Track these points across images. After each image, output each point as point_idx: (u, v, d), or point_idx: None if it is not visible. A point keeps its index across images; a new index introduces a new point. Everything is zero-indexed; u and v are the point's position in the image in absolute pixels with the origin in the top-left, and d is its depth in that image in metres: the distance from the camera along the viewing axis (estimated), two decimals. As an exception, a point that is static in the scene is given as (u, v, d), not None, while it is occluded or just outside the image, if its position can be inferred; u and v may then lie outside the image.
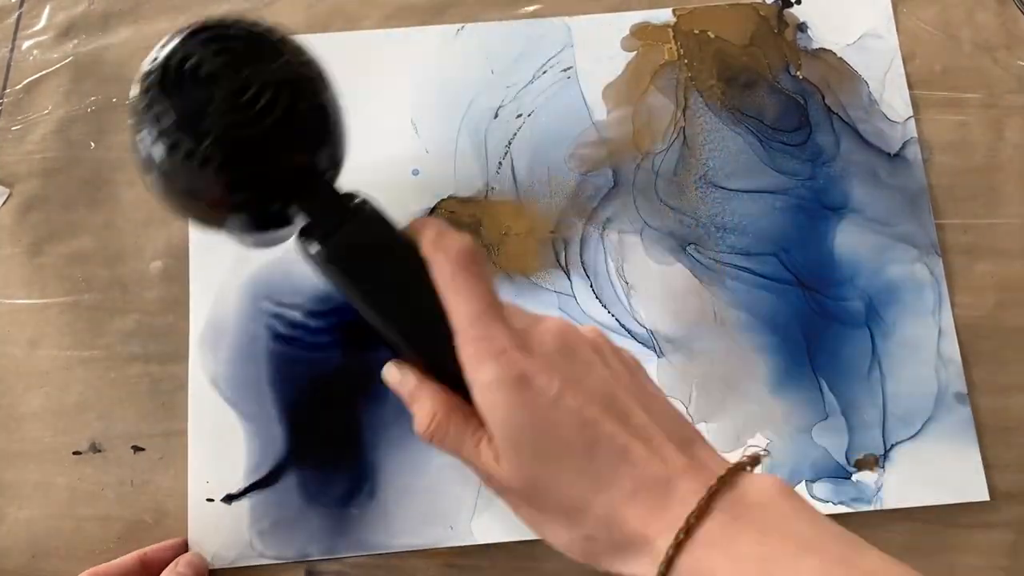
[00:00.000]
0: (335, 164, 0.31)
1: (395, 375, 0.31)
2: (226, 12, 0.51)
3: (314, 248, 0.29)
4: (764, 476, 0.28)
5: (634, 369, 0.31)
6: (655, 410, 0.30)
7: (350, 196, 0.31)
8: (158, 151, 0.28)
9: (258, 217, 0.30)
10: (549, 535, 0.30)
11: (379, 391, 0.45)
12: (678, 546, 0.26)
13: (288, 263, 0.47)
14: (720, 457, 0.30)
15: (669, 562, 0.26)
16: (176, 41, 0.28)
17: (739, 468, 0.28)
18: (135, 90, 0.29)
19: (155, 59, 0.28)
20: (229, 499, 0.44)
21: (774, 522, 0.27)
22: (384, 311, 0.30)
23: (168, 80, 0.27)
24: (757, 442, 0.45)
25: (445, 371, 0.30)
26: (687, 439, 0.30)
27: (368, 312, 0.30)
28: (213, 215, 0.30)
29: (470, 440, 0.30)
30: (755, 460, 0.29)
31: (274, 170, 0.29)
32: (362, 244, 0.30)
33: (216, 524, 0.44)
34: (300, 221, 0.30)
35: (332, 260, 0.29)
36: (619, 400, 0.29)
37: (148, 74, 0.28)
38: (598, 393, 0.29)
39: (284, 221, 0.30)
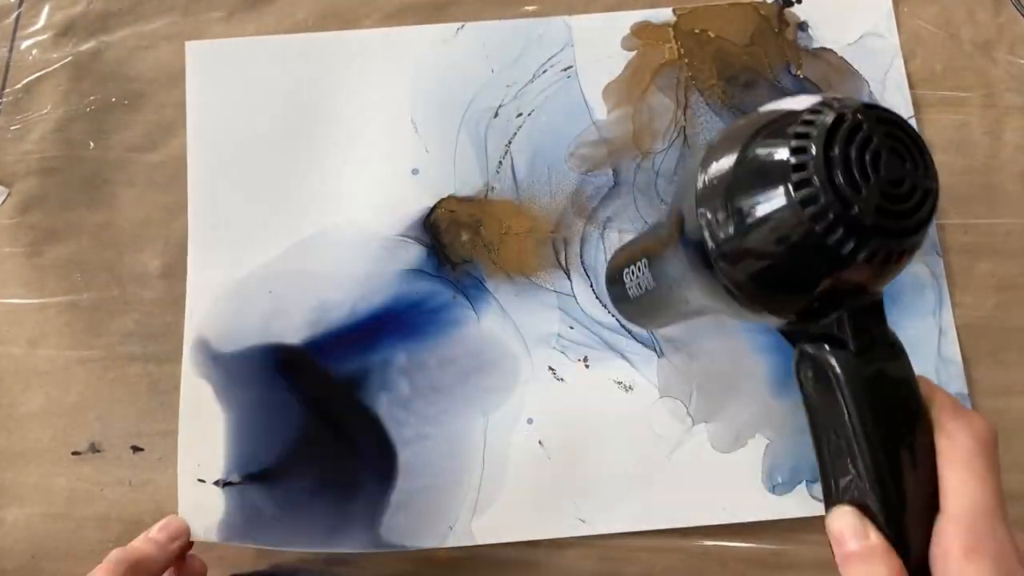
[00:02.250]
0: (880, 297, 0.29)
1: (853, 522, 0.27)
2: (228, 11, 0.51)
3: (836, 356, 0.28)
4: None
5: None
6: None
7: (890, 329, 0.29)
8: (781, 199, 0.25)
9: (807, 304, 0.27)
10: None
11: (379, 393, 0.45)
12: None
13: (288, 263, 0.47)
14: None
15: None
16: (851, 107, 0.25)
17: None
18: (772, 124, 0.26)
19: (815, 112, 0.25)
20: (228, 499, 0.44)
21: None
22: (873, 455, 0.27)
23: (836, 138, 0.25)
24: (758, 442, 0.45)
25: (904, 544, 0.27)
26: None
27: (850, 445, 0.28)
28: (792, 293, 0.27)
29: None
30: None
31: (874, 274, 0.26)
32: (887, 379, 0.28)
33: (213, 523, 0.44)
34: (827, 325, 0.28)
35: (850, 378, 0.27)
36: None
37: (808, 121, 0.25)
38: None
39: (820, 316, 0.28)
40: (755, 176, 0.26)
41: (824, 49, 0.52)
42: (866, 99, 0.50)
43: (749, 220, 0.25)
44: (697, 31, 0.52)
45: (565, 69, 0.51)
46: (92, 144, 0.49)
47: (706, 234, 0.27)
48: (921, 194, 0.25)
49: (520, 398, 0.46)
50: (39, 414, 0.46)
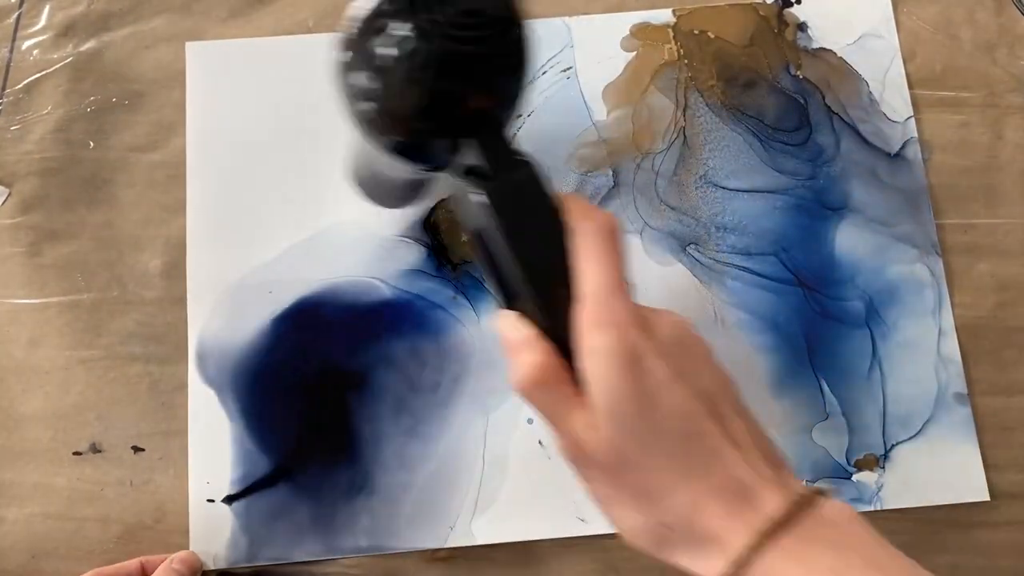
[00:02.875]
0: (510, 119, 0.33)
1: (510, 321, 0.31)
2: (228, 12, 0.51)
3: (477, 189, 0.31)
4: (839, 503, 0.30)
5: (734, 384, 0.32)
6: (750, 425, 0.31)
7: (515, 151, 0.32)
8: (382, 46, 0.30)
9: (437, 139, 0.32)
10: (620, 516, 0.31)
11: (379, 391, 0.46)
12: (755, 548, 0.27)
13: (288, 263, 0.47)
14: (800, 482, 0.31)
15: (742, 562, 0.27)
16: None
17: (819, 492, 0.29)
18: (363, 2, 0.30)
19: None
20: (230, 500, 0.44)
21: (847, 542, 0.28)
22: (523, 261, 0.31)
23: None
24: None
25: (557, 332, 0.30)
26: (776, 458, 0.31)
27: (505, 259, 0.31)
28: (397, 126, 0.32)
29: (565, 402, 0.30)
30: (823, 493, 0.30)
31: (473, 95, 0.31)
32: (524, 193, 0.31)
33: (216, 525, 0.44)
34: (462, 161, 0.32)
35: (493, 203, 0.31)
36: (720, 404, 0.30)
37: None
38: (703, 391, 0.30)
39: (447, 155, 0.32)
40: (369, 24, 0.31)
41: (824, 49, 0.52)
42: (865, 99, 0.50)
43: (378, 54, 0.30)
44: (697, 32, 0.52)
45: (565, 70, 0.51)
46: (92, 144, 0.49)
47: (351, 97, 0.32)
48: (501, 24, 0.30)
49: (520, 398, 0.46)
50: (39, 414, 0.46)
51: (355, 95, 0.32)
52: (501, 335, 0.32)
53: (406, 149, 0.33)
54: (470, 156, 0.32)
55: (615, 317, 0.29)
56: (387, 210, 0.48)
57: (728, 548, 0.28)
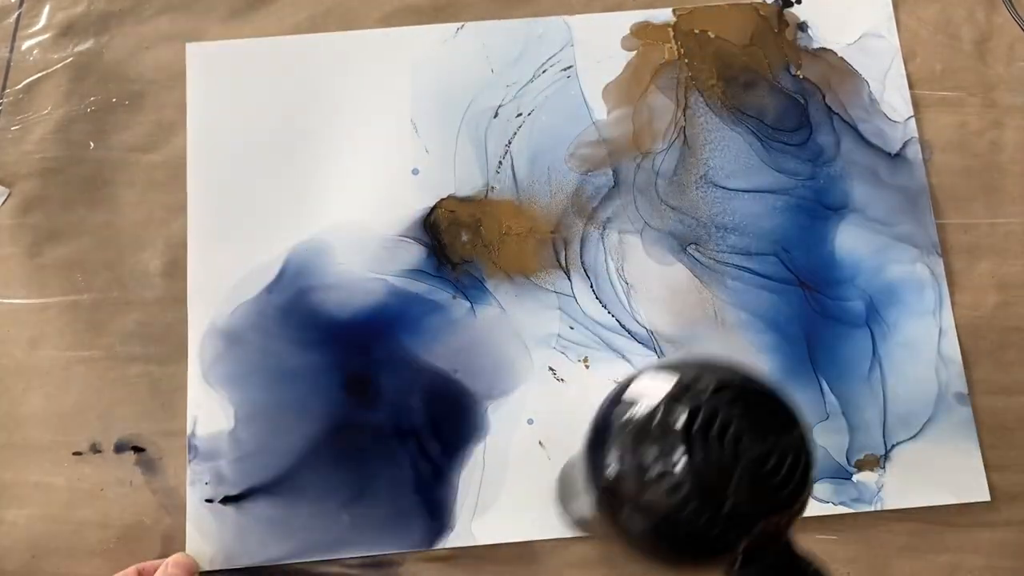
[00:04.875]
0: (791, 527, 0.30)
1: None
2: (228, 12, 0.51)
3: None
4: None
5: None
6: None
7: (807, 561, 0.30)
8: (658, 485, 0.26)
9: (719, 556, 0.29)
10: None
11: (379, 393, 0.45)
12: None
13: (288, 263, 0.47)
14: None
15: None
16: (705, 393, 0.27)
17: None
18: (638, 413, 0.28)
19: (675, 399, 0.27)
20: (228, 500, 0.44)
21: None
22: None
23: (694, 431, 0.26)
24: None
25: None
26: None
27: None
28: (680, 566, 0.29)
29: None
30: None
31: (769, 533, 0.27)
32: None
33: (215, 525, 0.44)
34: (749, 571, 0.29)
35: None
36: None
37: (669, 411, 0.27)
38: None
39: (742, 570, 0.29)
40: (638, 458, 0.27)
41: (824, 49, 0.52)
42: (865, 99, 0.50)
43: (644, 529, 0.27)
44: (697, 31, 0.52)
45: (565, 69, 0.51)
46: (92, 144, 0.49)
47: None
48: (791, 461, 0.26)
49: (520, 398, 0.46)
50: (39, 414, 0.46)
51: (634, 510, 0.28)
52: None
53: (669, 558, 0.29)
54: (753, 572, 0.28)
55: None
56: (388, 210, 0.48)
57: None
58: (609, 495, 0.28)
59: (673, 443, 0.26)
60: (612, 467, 0.28)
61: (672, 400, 0.27)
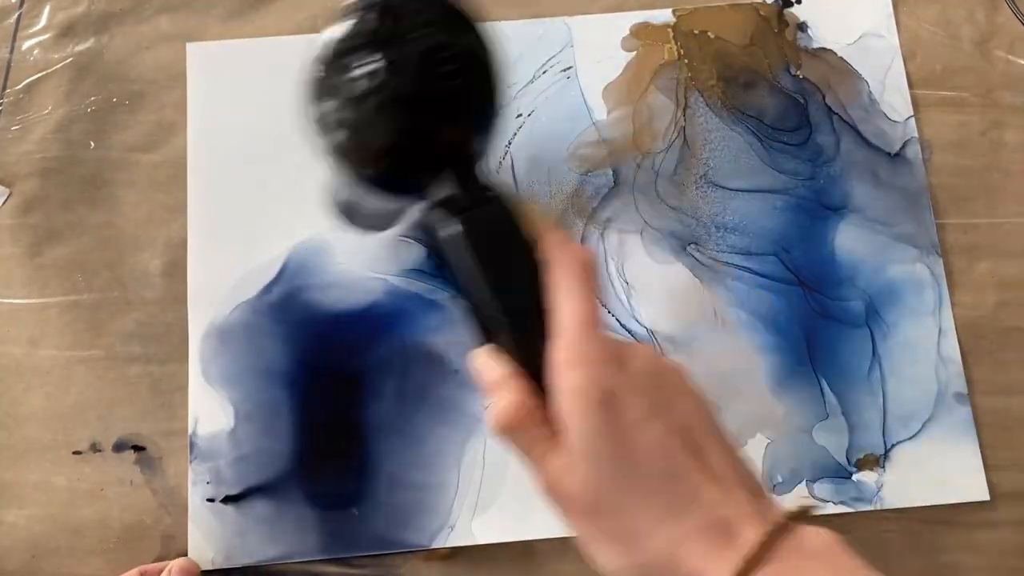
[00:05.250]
0: (483, 152, 0.33)
1: (487, 358, 0.31)
2: (228, 12, 0.51)
3: (451, 222, 0.31)
4: (820, 529, 0.29)
5: (712, 409, 0.31)
6: (728, 453, 0.30)
7: (488, 184, 0.32)
8: (353, 77, 0.31)
9: (410, 172, 0.32)
10: (601, 556, 0.30)
11: (380, 392, 0.46)
12: None
13: (288, 263, 0.47)
14: (780, 507, 0.30)
15: None
16: None
17: (797, 517, 0.29)
18: (333, 32, 0.32)
19: (360, 6, 0.32)
20: (229, 500, 0.44)
21: (829, 570, 0.27)
22: (497, 296, 0.30)
23: (378, 28, 0.31)
24: (758, 442, 0.45)
25: (533, 369, 0.30)
26: (755, 488, 0.30)
27: (479, 294, 0.31)
28: (371, 159, 0.32)
29: (543, 443, 0.30)
30: (807, 511, 0.29)
31: (445, 129, 0.31)
32: (495, 229, 0.31)
33: (216, 525, 0.44)
34: (436, 194, 0.32)
35: (466, 236, 0.31)
36: (698, 436, 0.30)
37: (357, 12, 0.32)
38: (681, 425, 0.29)
39: (421, 188, 0.32)
40: (335, 59, 0.32)
41: (824, 49, 0.52)
42: (865, 99, 0.50)
43: (344, 90, 0.31)
44: (697, 32, 0.52)
45: (565, 69, 0.51)
46: (93, 144, 0.49)
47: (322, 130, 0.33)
48: (464, 57, 0.31)
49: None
50: (39, 414, 0.46)
51: (326, 125, 0.32)
52: (477, 373, 0.31)
53: (378, 181, 0.33)
54: (444, 188, 0.32)
55: (588, 355, 0.29)
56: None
57: None
58: (325, 123, 0.32)
59: (366, 37, 0.31)
60: (322, 98, 0.32)
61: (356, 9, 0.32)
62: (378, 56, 0.30)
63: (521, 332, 0.30)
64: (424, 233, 0.33)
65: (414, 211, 0.36)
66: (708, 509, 0.28)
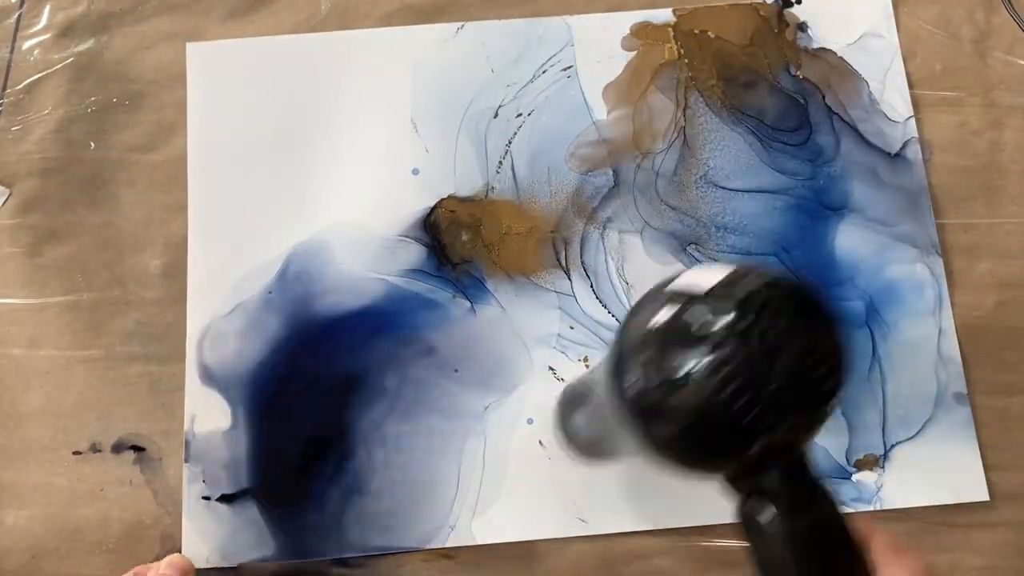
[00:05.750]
0: (813, 441, 0.30)
1: None
2: (228, 12, 0.51)
3: (769, 515, 0.28)
4: None
5: None
6: None
7: (818, 479, 0.30)
8: (701, 380, 0.26)
9: (737, 468, 0.29)
10: None
11: (378, 391, 0.45)
12: None
13: (288, 263, 0.47)
14: None
15: None
16: (755, 285, 0.27)
17: None
18: (687, 305, 0.27)
19: (726, 290, 0.27)
20: (224, 499, 0.44)
21: None
22: None
23: (747, 321, 0.26)
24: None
25: None
26: None
27: None
28: (702, 458, 0.29)
29: None
30: None
31: (796, 436, 0.28)
32: (819, 530, 0.29)
33: (213, 523, 0.44)
34: (763, 483, 0.29)
35: (788, 537, 0.28)
36: None
37: (719, 303, 0.27)
38: None
39: (753, 472, 0.29)
40: (677, 376, 0.26)
41: (824, 49, 0.52)
42: (865, 99, 0.50)
43: (676, 414, 0.27)
44: (697, 32, 0.52)
45: (565, 69, 0.51)
46: (93, 144, 0.49)
47: (638, 401, 0.28)
48: (832, 359, 0.27)
49: (520, 398, 0.46)
50: (39, 414, 0.46)
51: (638, 396, 0.28)
52: None
53: (695, 465, 0.29)
54: (763, 481, 0.29)
55: None
56: (388, 210, 0.48)
57: None
58: (638, 402, 0.28)
59: (724, 335, 0.26)
60: (640, 374, 0.27)
61: (723, 289, 0.27)
62: (740, 353, 0.26)
63: None
64: (738, 510, 0.29)
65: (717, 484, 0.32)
66: None
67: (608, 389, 0.30)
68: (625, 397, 0.28)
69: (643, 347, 0.28)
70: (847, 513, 0.29)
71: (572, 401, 0.41)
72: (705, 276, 0.28)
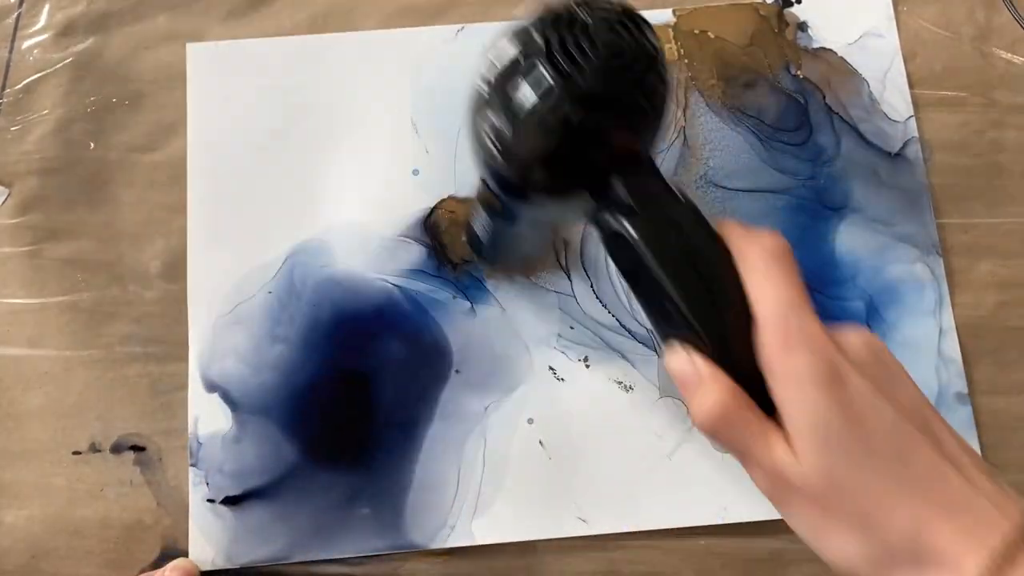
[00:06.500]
0: (654, 149, 0.33)
1: (681, 358, 0.30)
2: (228, 12, 0.51)
3: (627, 221, 0.30)
4: None
5: (929, 401, 0.31)
6: (958, 438, 0.29)
7: (671, 185, 0.32)
8: (522, 89, 0.30)
9: (586, 171, 0.31)
10: (834, 545, 0.28)
11: (379, 391, 0.45)
12: (995, 570, 0.25)
13: (288, 263, 0.47)
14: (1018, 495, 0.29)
15: None
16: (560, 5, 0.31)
17: None
18: (511, 35, 0.31)
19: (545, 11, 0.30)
20: (229, 501, 0.44)
21: None
22: (686, 293, 0.30)
23: (558, 22, 0.30)
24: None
25: (736, 361, 0.29)
26: (993, 474, 0.29)
27: (664, 293, 0.30)
28: (542, 162, 0.31)
29: (760, 434, 0.28)
30: None
31: (626, 128, 0.30)
32: (675, 225, 0.31)
33: (216, 525, 0.44)
34: (611, 195, 0.31)
35: (650, 237, 0.30)
36: (930, 420, 0.29)
37: (541, 19, 0.30)
38: (909, 407, 0.28)
39: (596, 189, 0.31)
40: (516, 59, 0.31)
41: (824, 49, 0.52)
42: (865, 99, 0.50)
43: (514, 121, 0.30)
44: (697, 32, 0.52)
45: (565, 69, 0.51)
46: (92, 144, 0.49)
47: (489, 142, 0.32)
48: (645, 57, 0.30)
49: (520, 398, 0.46)
50: (39, 414, 0.46)
51: (494, 135, 0.31)
52: (674, 373, 0.30)
53: (547, 188, 0.32)
54: (619, 189, 0.31)
55: (808, 336, 0.27)
56: (388, 211, 0.48)
57: (962, 569, 0.26)
58: (493, 130, 0.31)
59: (536, 51, 0.30)
60: (491, 118, 0.31)
61: (537, 21, 0.31)
62: (548, 67, 0.29)
63: (715, 327, 0.29)
64: (603, 238, 0.32)
65: (568, 222, 0.35)
66: (950, 486, 0.27)
67: (471, 129, 0.33)
68: (482, 137, 0.32)
69: (489, 86, 0.32)
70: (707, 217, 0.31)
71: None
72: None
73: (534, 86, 0.30)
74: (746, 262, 0.29)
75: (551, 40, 0.29)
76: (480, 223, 0.42)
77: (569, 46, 0.29)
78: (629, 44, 0.30)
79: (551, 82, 0.29)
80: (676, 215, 0.31)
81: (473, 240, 0.44)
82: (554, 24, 0.30)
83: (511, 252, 0.45)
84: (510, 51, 0.31)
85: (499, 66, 0.31)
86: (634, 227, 0.30)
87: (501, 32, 0.33)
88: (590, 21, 0.29)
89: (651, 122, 0.32)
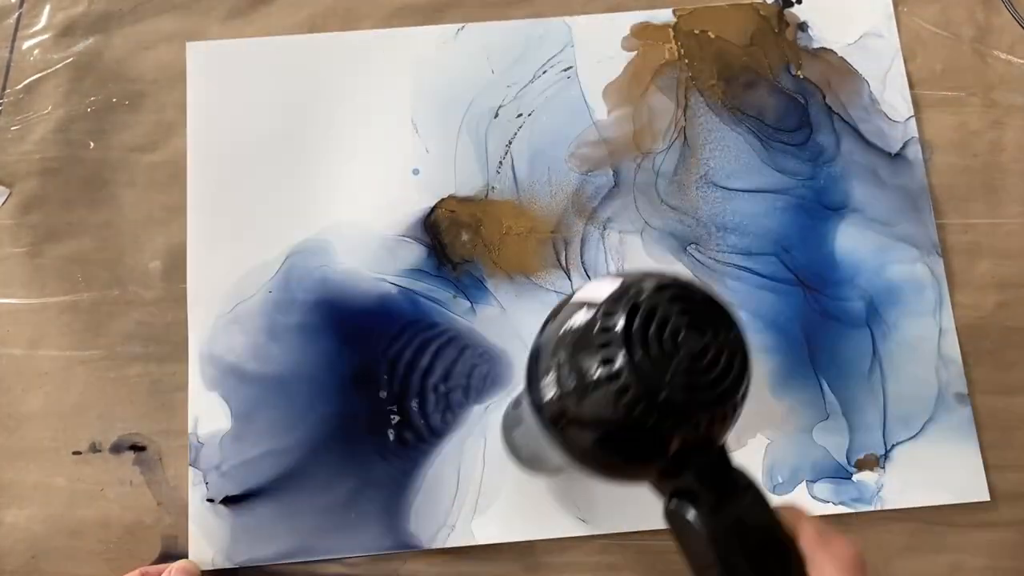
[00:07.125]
0: (727, 435, 0.30)
1: None
2: (228, 12, 0.51)
3: (693, 514, 0.29)
4: None
5: None
6: None
7: (740, 472, 0.30)
8: (599, 391, 0.27)
9: (657, 471, 0.29)
10: None
11: (379, 392, 0.45)
12: None
13: (288, 263, 0.47)
14: None
15: None
16: (644, 292, 0.28)
17: None
18: (584, 317, 0.28)
19: (616, 300, 0.27)
20: (229, 500, 0.44)
21: None
22: None
23: (634, 329, 0.27)
24: (758, 442, 0.45)
25: None
26: None
27: None
28: (620, 465, 0.29)
29: None
30: None
31: (705, 435, 0.28)
32: (744, 524, 0.29)
33: (216, 525, 0.44)
34: (683, 482, 0.29)
35: (711, 532, 0.29)
36: None
37: (609, 314, 0.27)
38: None
39: (672, 477, 0.30)
40: (581, 387, 0.27)
41: (824, 49, 0.52)
42: (866, 99, 0.50)
43: (586, 426, 0.28)
44: (697, 32, 0.52)
45: (565, 69, 0.51)
46: (92, 144, 0.49)
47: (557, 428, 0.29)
48: (727, 358, 0.28)
49: (520, 398, 0.46)
50: (39, 414, 0.46)
51: (551, 408, 0.29)
52: None
53: (614, 473, 0.30)
54: (684, 480, 0.29)
55: None
56: (388, 210, 0.48)
57: None
58: (551, 414, 0.29)
59: (614, 346, 0.27)
60: (551, 385, 0.28)
61: (612, 302, 0.27)
62: (622, 353, 0.26)
63: None
64: (665, 511, 0.30)
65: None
66: None
67: (527, 402, 0.30)
68: (539, 409, 0.29)
69: (550, 360, 0.28)
70: (779, 507, 0.29)
71: (512, 416, 0.42)
72: (604, 285, 0.28)
73: (604, 372, 0.27)
74: (817, 570, 0.28)
75: (632, 339, 0.27)
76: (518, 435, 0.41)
77: (650, 354, 0.26)
78: (712, 343, 0.27)
79: (632, 392, 0.26)
80: (747, 514, 0.29)
81: (513, 447, 0.43)
82: (630, 313, 0.27)
83: (546, 460, 0.42)
84: (594, 325, 0.27)
85: (577, 327, 0.28)
86: (696, 520, 0.29)
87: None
88: (671, 318, 0.27)
89: (730, 418, 0.29)
